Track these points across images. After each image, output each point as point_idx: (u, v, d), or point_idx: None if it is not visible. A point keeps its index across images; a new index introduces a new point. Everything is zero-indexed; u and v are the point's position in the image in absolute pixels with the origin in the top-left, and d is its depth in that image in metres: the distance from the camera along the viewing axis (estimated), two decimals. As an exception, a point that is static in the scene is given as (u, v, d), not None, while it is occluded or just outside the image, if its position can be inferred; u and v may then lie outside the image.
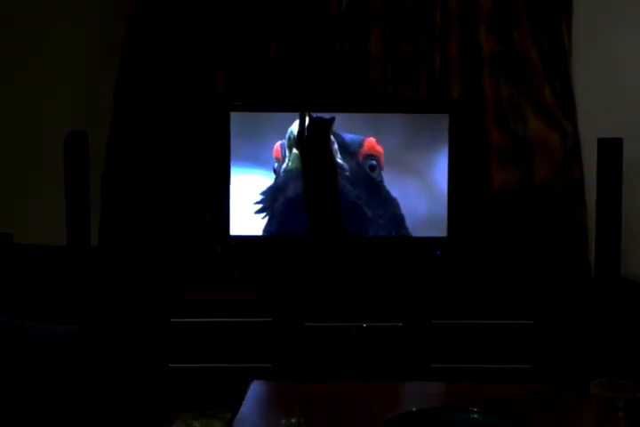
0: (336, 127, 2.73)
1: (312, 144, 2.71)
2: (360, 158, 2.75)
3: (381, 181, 2.76)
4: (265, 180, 2.76)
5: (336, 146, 2.73)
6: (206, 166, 2.93)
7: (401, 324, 2.62)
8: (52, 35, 3.02)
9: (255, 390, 1.67)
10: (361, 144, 2.75)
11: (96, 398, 2.27)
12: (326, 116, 2.70)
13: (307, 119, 2.66)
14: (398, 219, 2.79)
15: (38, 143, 3.02)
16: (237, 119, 2.78)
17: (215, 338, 2.62)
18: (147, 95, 2.94)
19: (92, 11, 3.01)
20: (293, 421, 1.38)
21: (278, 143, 2.73)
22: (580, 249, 2.91)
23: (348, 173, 2.75)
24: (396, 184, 2.77)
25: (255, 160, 2.78)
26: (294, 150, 2.69)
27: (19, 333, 2.05)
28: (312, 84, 2.92)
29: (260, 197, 2.76)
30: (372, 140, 2.74)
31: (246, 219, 2.78)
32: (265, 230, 2.77)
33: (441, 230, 2.78)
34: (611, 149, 2.60)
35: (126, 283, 2.87)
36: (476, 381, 2.45)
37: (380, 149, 2.75)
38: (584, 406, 1.29)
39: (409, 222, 2.79)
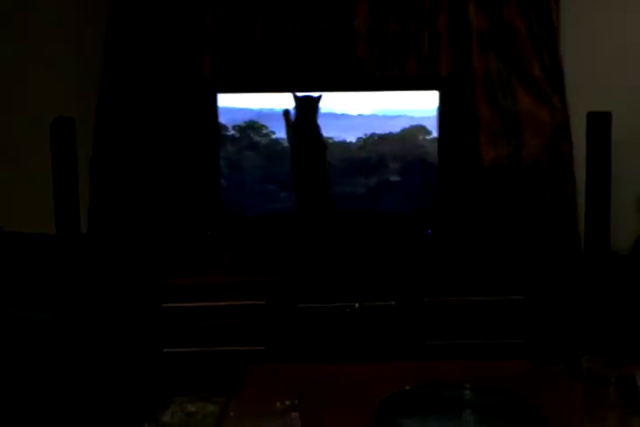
0: (325, 106, 2.71)
1: (300, 122, 2.70)
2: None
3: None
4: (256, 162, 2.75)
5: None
6: (195, 150, 2.91)
7: (393, 302, 2.63)
8: (37, 20, 2.98)
9: (250, 372, 1.68)
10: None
11: (89, 384, 2.28)
12: (314, 95, 2.69)
13: (293, 100, 2.65)
14: (390, 197, 2.79)
15: (24, 130, 2.99)
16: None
17: (208, 322, 2.62)
18: (133, 80, 2.91)
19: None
20: (288, 403, 1.38)
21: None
22: (569, 223, 2.92)
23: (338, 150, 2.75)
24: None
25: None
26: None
27: (8, 321, 2.05)
28: (299, 63, 2.89)
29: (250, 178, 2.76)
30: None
31: (237, 201, 2.78)
32: (257, 212, 2.76)
33: (431, 207, 2.78)
34: (599, 123, 2.59)
35: (117, 269, 2.86)
36: (468, 357, 2.48)
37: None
38: (575, 381, 1.30)
39: (401, 201, 2.79)
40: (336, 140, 2.77)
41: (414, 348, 2.63)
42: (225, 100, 2.75)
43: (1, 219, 2.74)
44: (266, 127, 2.76)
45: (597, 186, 2.60)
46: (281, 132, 2.76)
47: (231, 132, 2.77)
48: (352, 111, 2.76)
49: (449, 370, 1.63)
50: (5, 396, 1.83)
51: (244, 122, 2.76)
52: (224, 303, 2.62)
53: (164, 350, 2.62)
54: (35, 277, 2.73)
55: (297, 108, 2.70)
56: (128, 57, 2.89)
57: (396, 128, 2.77)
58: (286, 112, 2.73)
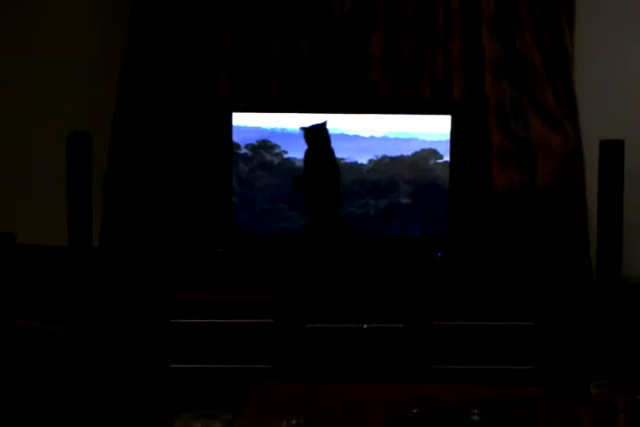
0: (344, 127, 2.75)
1: (313, 146, 2.74)
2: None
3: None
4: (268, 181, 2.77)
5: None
6: (208, 167, 2.93)
7: (401, 325, 2.62)
8: (55, 35, 3.03)
9: (256, 391, 1.67)
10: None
11: (96, 398, 2.27)
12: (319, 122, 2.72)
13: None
14: (400, 220, 2.80)
15: (40, 143, 3.03)
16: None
17: (216, 339, 2.62)
18: (149, 96, 2.95)
19: (95, 11, 3.01)
20: (294, 422, 1.37)
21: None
22: (581, 251, 2.91)
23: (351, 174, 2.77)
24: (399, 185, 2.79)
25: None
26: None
27: (17, 333, 2.05)
28: (314, 85, 2.92)
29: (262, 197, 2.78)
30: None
31: (248, 220, 2.79)
32: (267, 231, 2.77)
33: (442, 231, 2.78)
34: (612, 151, 2.60)
35: (128, 283, 2.87)
36: (476, 382, 2.45)
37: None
38: (584, 408, 1.29)
39: (411, 224, 2.80)
40: (348, 161, 2.78)
41: (421, 371, 2.61)
42: (239, 119, 2.78)
43: (15, 230, 2.76)
44: (278, 147, 2.79)
45: (609, 214, 2.60)
46: (293, 152, 2.78)
47: (244, 150, 2.80)
48: (364, 133, 2.79)
49: (457, 394, 1.62)
50: (11, 408, 1.83)
51: (257, 141, 2.79)
52: (233, 320, 2.62)
53: (171, 365, 2.61)
54: (45, 289, 2.75)
55: (307, 135, 2.74)
56: (145, 73, 2.93)
57: (407, 151, 2.79)
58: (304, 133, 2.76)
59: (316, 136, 2.77)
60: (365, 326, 2.61)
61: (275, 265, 2.84)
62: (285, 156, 2.79)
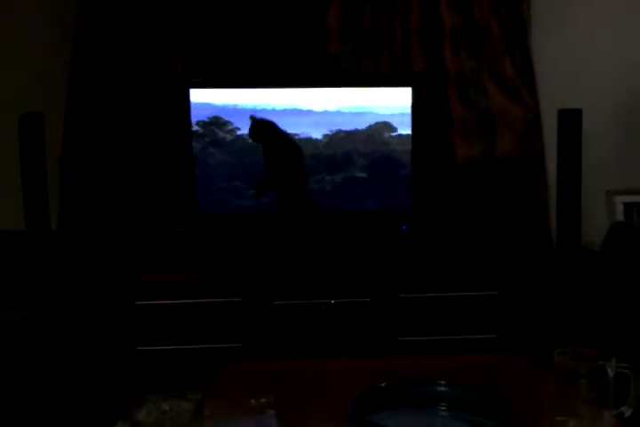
0: (299, 102, 2.71)
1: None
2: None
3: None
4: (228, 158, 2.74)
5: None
6: (168, 146, 2.88)
7: (369, 299, 2.64)
8: (4, 12, 2.91)
9: (225, 370, 1.67)
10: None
11: (62, 382, 2.25)
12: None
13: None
14: (364, 194, 2.81)
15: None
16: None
17: (184, 319, 2.61)
18: (103, 75, 2.87)
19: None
20: (264, 400, 1.38)
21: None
22: (541, 219, 2.95)
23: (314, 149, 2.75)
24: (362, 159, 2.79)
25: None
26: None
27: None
28: (272, 59, 2.88)
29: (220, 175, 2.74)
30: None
31: (210, 198, 2.76)
32: (229, 209, 2.75)
33: (405, 204, 2.80)
34: (571, 120, 2.62)
35: (89, 266, 2.82)
36: (442, 352, 2.50)
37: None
38: (548, 374, 1.32)
39: (374, 197, 2.81)
40: (302, 136, 2.76)
41: (389, 344, 2.64)
42: (196, 96, 2.73)
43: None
44: (231, 123, 2.75)
45: (568, 182, 2.64)
46: (246, 129, 2.75)
47: (195, 128, 2.75)
48: (320, 108, 2.76)
49: (423, 366, 1.65)
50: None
51: (209, 118, 2.74)
52: (200, 300, 2.60)
53: (138, 348, 2.59)
54: (5, 274, 2.69)
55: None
56: (98, 49, 2.85)
57: (363, 125, 2.78)
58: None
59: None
60: (333, 301, 2.62)
61: (239, 244, 2.82)
62: (239, 132, 2.75)
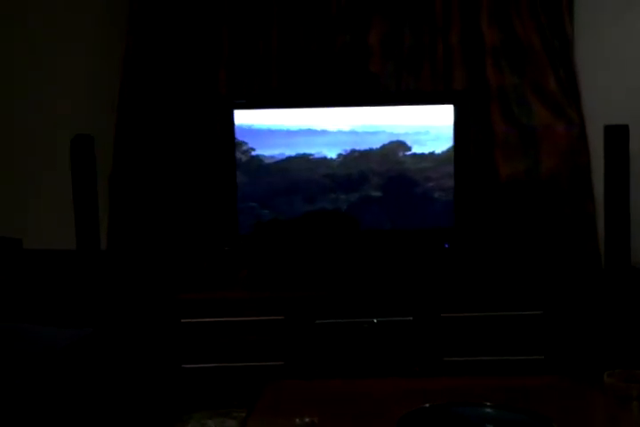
0: (340, 121, 2.75)
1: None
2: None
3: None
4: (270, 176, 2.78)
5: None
6: (212, 166, 2.93)
7: (411, 318, 2.62)
8: (55, 36, 3.02)
9: (270, 389, 1.68)
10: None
11: (109, 400, 2.28)
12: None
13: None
14: (407, 212, 2.80)
15: (44, 147, 3.03)
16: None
17: (226, 337, 2.63)
18: (150, 96, 2.94)
19: (94, 12, 3.00)
20: (308, 420, 1.38)
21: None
22: (588, 238, 2.89)
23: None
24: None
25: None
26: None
27: (28, 337, 2.06)
28: (315, 79, 2.91)
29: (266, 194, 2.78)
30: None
31: (252, 217, 2.79)
32: (272, 228, 2.78)
33: (448, 222, 2.78)
34: (617, 137, 2.58)
35: (136, 285, 2.87)
36: (487, 373, 2.45)
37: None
38: (598, 396, 1.29)
39: (417, 215, 2.80)
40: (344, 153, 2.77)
41: (432, 363, 2.61)
42: (241, 117, 2.78)
43: (22, 235, 2.77)
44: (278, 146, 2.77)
45: (616, 199, 2.58)
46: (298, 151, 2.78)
47: (245, 149, 2.79)
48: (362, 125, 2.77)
49: (469, 387, 1.62)
50: (23, 411, 1.84)
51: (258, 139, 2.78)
52: (242, 319, 2.62)
53: (183, 365, 2.62)
54: (54, 293, 2.75)
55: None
56: (145, 73, 2.93)
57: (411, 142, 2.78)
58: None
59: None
60: (375, 320, 2.60)
61: (281, 263, 2.84)
62: (287, 153, 2.78)
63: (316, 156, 2.79)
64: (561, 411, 1.40)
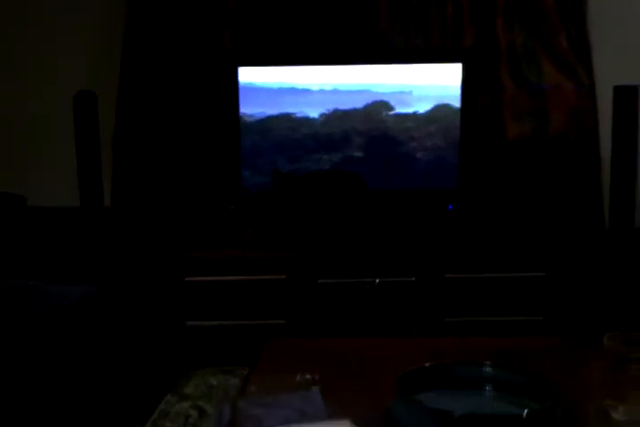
0: (345, 79, 2.70)
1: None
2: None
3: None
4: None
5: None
6: (216, 124, 2.90)
7: (413, 278, 2.63)
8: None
9: (271, 347, 1.69)
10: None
11: (114, 355, 2.32)
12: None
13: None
14: (410, 171, 2.78)
15: (47, 104, 3.00)
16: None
17: (229, 296, 2.65)
18: (154, 54, 2.90)
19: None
20: (309, 377, 1.40)
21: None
22: (594, 199, 2.88)
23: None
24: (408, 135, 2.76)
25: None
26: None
27: (34, 295, 2.08)
28: (321, 35, 2.86)
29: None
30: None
31: (258, 176, 2.78)
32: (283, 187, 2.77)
33: (452, 183, 2.76)
34: (627, 97, 2.53)
35: (141, 243, 2.89)
36: (488, 334, 2.48)
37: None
38: (597, 358, 1.30)
39: (421, 175, 2.78)
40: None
41: (433, 324, 2.64)
42: (244, 75, 2.74)
43: (25, 193, 2.77)
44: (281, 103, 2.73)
45: (623, 161, 2.56)
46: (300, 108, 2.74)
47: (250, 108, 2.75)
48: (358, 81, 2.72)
49: (469, 347, 1.64)
50: (31, 365, 1.87)
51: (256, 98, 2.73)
52: (245, 278, 2.64)
53: (187, 323, 2.65)
54: (58, 250, 2.77)
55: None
56: (149, 30, 2.88)
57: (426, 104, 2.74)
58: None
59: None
60: (377, 280, 2.62)
61: (285, 222, 2.84)
62: (292, 111, 2.74)
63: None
64: (559, 372, 1.42)
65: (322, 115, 2.76)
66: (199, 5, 2.88)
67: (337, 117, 2.76)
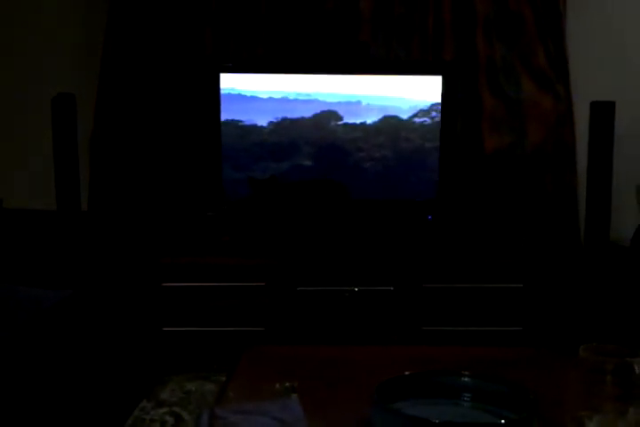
0: (327, 88, 2.72)
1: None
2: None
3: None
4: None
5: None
6: (197, 129, 2.89)
7: (392, 288, 2.64)
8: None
9: (249, 354, 1.69)
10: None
11: (88, 361, 2.29)
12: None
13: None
14: (390, 182, 2.80)
15: (25, 106, 2.97)
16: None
17: (208, 302, 2.64)
18: (134, 56, 2.89)
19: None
20: (288, 384, 1.39)
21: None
22: (570, 213, 2.93)
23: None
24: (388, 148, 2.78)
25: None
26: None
27: (8, 298, 2.05)
28: (303, 44, 2.87)
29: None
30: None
31: (237, 183, 2.78)
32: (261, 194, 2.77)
33: (431, 193, 2.79)
34: (603, 113, 2.59)
35: (117, 247, 2.86)
36: (466, 344, 2.50)
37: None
38: (572, 369, 1.31)
39: (400, 186, 2.80)
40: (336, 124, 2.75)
41: (411, 333, 2.65)
42: (225, 81, 2.73)
43: (2, 195, 2.73)
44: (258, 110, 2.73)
45: (599, 176, 2.61)
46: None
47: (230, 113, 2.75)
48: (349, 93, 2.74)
49: (447, 356, 1.65)
50: (4, 370, 1.84)
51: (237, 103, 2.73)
52: (224, 284, 2.63)
53: (164, 328, 2.63)
54: (34, 253, 2.73)
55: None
56: (130, 32, 2.87)
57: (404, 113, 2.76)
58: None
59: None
60: (356, 288, 2.63)
61: (264, 229, 2.84)
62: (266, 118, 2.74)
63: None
64: (536, 382, 1.43)
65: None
66: (181, 8, 2.87)
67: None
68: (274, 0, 2.87)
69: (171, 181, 2.93)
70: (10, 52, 2.97)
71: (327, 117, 2.76)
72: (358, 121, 2.77)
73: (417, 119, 2.78)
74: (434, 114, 2.76)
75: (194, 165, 2.92)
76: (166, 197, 2.93)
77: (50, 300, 2.15)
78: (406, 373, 1.39)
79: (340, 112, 2.76)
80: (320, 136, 2.78)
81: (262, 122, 2.76)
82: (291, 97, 2.74)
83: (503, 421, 1.21)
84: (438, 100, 2.75)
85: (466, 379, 1.39)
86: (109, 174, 2.92)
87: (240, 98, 2.74)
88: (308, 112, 2.75)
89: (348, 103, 2.76)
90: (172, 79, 2.90)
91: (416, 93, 2.76)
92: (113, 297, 2.73)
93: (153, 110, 2.91)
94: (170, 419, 2.19)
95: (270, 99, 2.74)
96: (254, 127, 2.76)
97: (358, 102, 2.76)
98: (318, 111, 2.75)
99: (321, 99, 2.75)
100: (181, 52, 2.89)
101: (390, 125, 2.77)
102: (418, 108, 2.76)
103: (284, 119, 2.76)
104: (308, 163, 2.80)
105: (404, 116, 2.77)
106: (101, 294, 2.69)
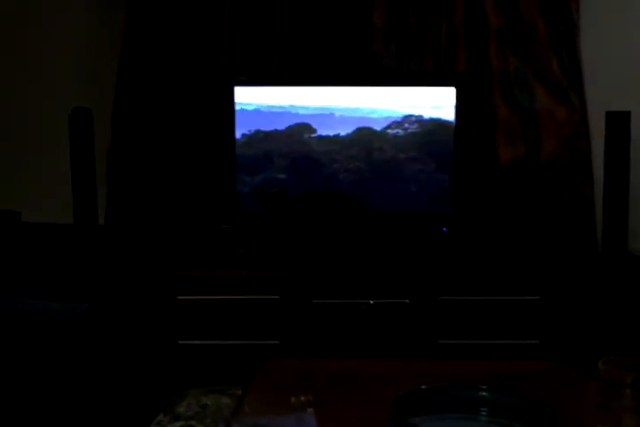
0: (339, 100, 2.73)
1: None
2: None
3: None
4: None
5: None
6: (212, 142, 2.91)
7: (408, 300, 2.63)
8: (56, 9, 2.98)
9: (264, 368, 1.69)
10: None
11: (105, 374, 2.30)
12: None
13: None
14: (405, 194, 2.80)
15: (43, 120, 3.00)
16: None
17: (223, 315, 2.64)
18: (150, 70, 2.92)
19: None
20: (303, 398, 1.39)
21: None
22: (587, 224, 2.90)
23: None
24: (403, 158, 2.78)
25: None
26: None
27: (25, 311, 2.07)
28: (316, 57, 2.89)
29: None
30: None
31: (253, 195, 2.79)
32: (271, 207, 2.77)
33: (446, 205, 2.78)
34: (619, 123, 2.57)
35: (133, 261, 2.88)
36: (482, 357, 2.47)
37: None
38: (592, 383, 1.30)
39: (415, 198, 2.79)
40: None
41: (427, 346, 2.63)
42: (241, 94, 2.75)
43: (19, 209, 2.76)
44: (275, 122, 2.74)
45: (616, 186, 2.59)
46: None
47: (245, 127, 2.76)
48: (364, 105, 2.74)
49: (464, 370, 1.64)
50: (19, 383, 1.85)
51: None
52: (239, 297, 2.63)
53: (180, 342, 2.63)
54: (51, 267, 2.75)
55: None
56: (146, 47, 2.90)
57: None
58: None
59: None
60: (372, 301, 2.62)
61: (279, 241, 2.84)
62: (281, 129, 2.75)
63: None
64: (554, 396, 1.42)
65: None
66: (197, 21, 2.90)
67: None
68: (287, 13, 2.89)
69: (186, 193, 2.95)
70: (25, 66, 3.01)
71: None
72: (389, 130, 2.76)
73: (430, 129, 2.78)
74: (449, 125, 2.76)
75: (209, 178, 2.93)
76: (182, 209, 2.94)
77: (66, 313, 2.16)
78: (423, 387, 1.38)
79: (371, 124, 2.75)
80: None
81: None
82: (307, 111, 2.75)
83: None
84: (452, 111, 2.74)
85: (483, 393, 1.38)
86: (126, 188, 2.94)
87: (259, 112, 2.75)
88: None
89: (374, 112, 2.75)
90: (187, 93, 2.92)
91: (430, 104, 2.75)
92: (129, 310, 2.74)
93: (168, 124, 2.94)
94: (186, 433, 2.19)
95: (287, 113, 2.75)
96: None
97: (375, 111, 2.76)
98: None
99: (336, 113, 2.76)
100: (195, 66, 2.91)
101: (405, 136, 2.78)
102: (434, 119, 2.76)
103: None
104: (318, 174, 2.81)
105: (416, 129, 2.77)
106: (118, 307, 2.70)
